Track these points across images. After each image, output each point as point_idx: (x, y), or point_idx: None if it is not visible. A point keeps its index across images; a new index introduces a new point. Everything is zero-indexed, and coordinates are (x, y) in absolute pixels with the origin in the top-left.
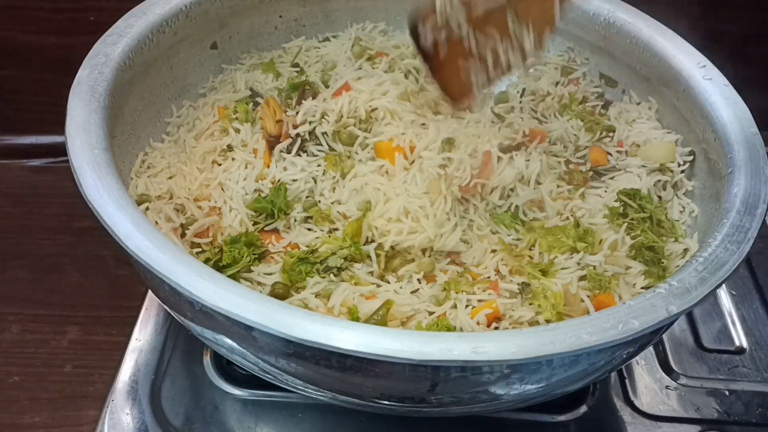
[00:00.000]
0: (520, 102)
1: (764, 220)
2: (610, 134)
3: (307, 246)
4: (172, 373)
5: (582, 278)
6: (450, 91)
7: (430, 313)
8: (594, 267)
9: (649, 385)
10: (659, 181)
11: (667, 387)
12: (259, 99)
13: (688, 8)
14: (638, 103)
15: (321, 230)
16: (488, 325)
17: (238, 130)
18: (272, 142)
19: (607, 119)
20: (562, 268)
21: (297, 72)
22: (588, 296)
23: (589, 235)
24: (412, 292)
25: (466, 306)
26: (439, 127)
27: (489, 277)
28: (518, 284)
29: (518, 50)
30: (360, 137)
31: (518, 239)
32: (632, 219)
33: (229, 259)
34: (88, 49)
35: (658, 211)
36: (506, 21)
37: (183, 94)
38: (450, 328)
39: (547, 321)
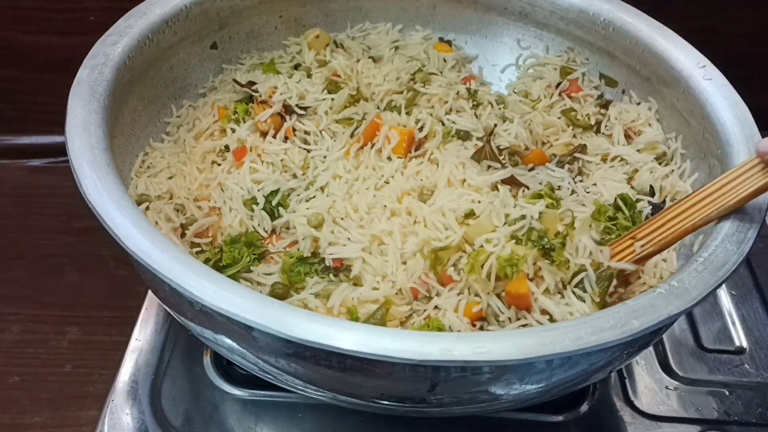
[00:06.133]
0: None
1: (764, 220)
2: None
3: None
4: (172, 373)
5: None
6: None
7: (423, 311)
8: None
9: (649, 385)
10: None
11: (667, 387)
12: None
13: (688, 8)
14: (638, 103)
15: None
16: (472, 323)
17: (233, 130)
18: None
19: (607, 119)
20: None
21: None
22: None
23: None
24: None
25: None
26: None
27: None
28: None
29: None
30: None
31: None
32: (615, 224)
33: (229, 259)
34: (88, 49)
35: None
36: None
37: (183, 94)
38: (441, 328)
39: None
